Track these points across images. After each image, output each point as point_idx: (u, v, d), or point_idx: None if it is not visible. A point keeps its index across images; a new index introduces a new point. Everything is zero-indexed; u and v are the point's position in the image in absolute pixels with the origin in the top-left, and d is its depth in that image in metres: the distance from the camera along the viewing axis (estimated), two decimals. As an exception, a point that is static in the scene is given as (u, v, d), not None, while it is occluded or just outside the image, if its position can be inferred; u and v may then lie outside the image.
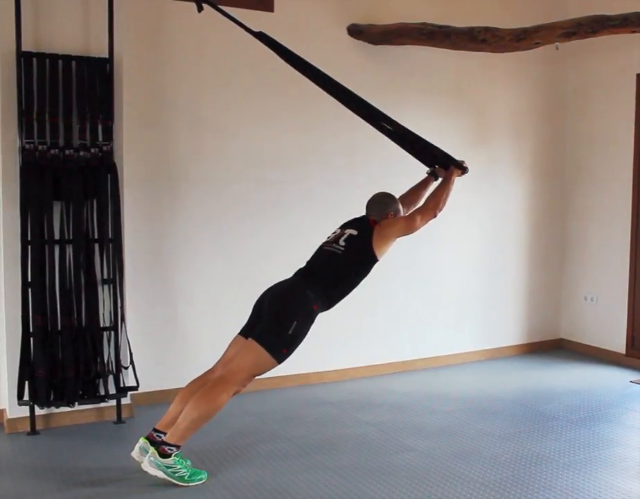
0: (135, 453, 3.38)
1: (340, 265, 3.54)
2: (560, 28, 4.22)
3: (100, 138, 3.93)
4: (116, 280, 4.00)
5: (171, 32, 4.42)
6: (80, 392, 3.92)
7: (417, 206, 3.91)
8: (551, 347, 6.10)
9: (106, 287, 4.02)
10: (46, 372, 3.80)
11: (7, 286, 3.88)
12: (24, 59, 3.76)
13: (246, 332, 3.45)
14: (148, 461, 3.24)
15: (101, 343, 3.97)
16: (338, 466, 3.53)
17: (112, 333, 4.02)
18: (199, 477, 3.31)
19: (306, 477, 3.40)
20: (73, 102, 3.87)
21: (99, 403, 4.04)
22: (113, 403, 4.11)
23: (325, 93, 4.92)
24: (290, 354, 3.36)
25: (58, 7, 3.89)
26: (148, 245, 4.44)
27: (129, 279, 4.21)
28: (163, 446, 3.24)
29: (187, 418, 3.23)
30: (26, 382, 3.83)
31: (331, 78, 3.77)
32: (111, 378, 4.02)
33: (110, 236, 3.97)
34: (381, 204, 3.75)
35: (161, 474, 3.23)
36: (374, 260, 3.59)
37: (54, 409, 3.99)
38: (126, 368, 4.05)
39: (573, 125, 6.00)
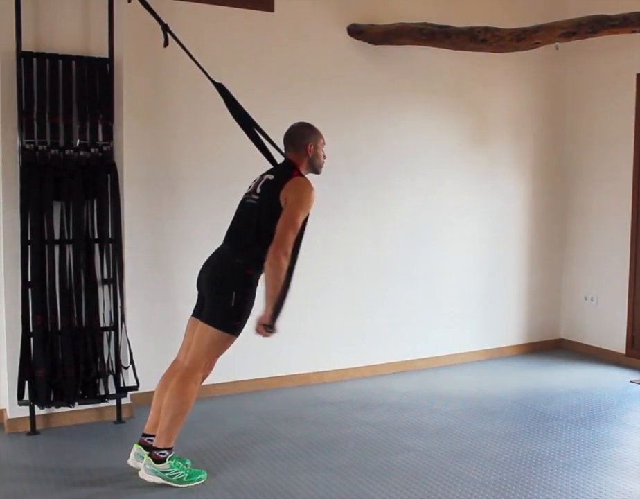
0: (131, 461, 3.38)
1: (257, 218, 3.27)
2: (560, 28, 4.22)
3: (100, 138, 3.93)
4: (116, 280, 4.00)
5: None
6: (80, 392, 3.92)
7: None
8: (551, 347, 6.10)
9: (106, 287, 4.02)
10: (46, 372, 3.80)
11: (7, 286, 3.88)
12: (24, 59, 3.76)
13: (196, 313, 3.40)
14: (144, 469, 3.24)
15: (101, 343, 3.97)
16: (338, 466, 3.53)
17: (112, 332, 4.02)
18: (198, 476, 3.31)
19: (306, 477, 3.40)
20: (73, 102, 3.87)
21: (99, 403, 4.04)
22: (113, 403, 4.11)
23: (326, 93, 4.96)
24: (244, 324, 3.26)
25: (58, 7, 3.89)
26: (148, 245, 4.44)
27: (129, 279, 4.21)
28: (155, 452, 3.23)
29: (166, 419, 3.22)
30: (26, 382, 3.83)
31: (265, 147, 3.54)
32: (111, 378, 4.02)
33: (110, 236, 3.97)
34: (296, 136, 3.42)
35: (159, 480, 3.23)
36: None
37: (54, 409, 3.99)
38: (126, 368, 4.05)
39: (573, 125, 6.00)
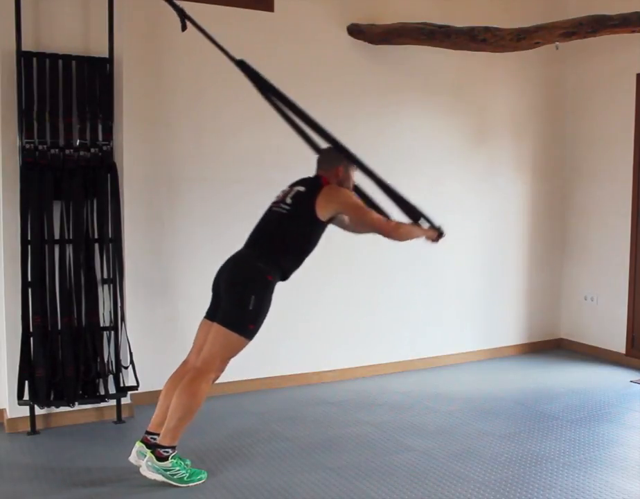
0: (132, 458, 3.38)
1: (286, 227, 3.40)
2: (560, 28, 4.22)
3: (100, 138, 3.93)
4: (116, 280, 4.00)
5: (171, 32, 4.40)
6: (80, 392, 3.92)
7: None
8: (551, 347, 6.10)
9: (106, 287, 4.02)
10: (46, 372, 3.80)
11: (7, 286, 3.88)
12: (24, 59, 3.76)
13: (210, 315, 3.41)
14: (146, 466, 3.24)
15: (101, 343, 3.97)
16: (338, 466, 3.53)
17: (112, 332, 4.02)
18: (198, 476, 3.31)
19: (306, 477, 3.40)
20: (73, 102, 3.87)
21: (99, 402, 4.04)
22: (113, 402, 4.11)
23: (326, 93, 4.96)
24: (258, 328, 3.30)
25: (58, 7, 3.89)
26: (148, 245, 4.44)
27: (129, 279, 4.21)
28: (159, 450, 3.24)
29: (174, 418, 3.22)
30: (26, 382, 3.82)
31: (309, 116, 3.59)
32: (111, 378, 4.02)
33: (110, 236, 3.97)
34: (329, 157, 3.56)
35: (159, 477, 3.23)
36: (318, 221, 3.38)
37: (54, 409, 3.99)
38: (126, 368, 4.05)
39: (573, 125, 6.00)
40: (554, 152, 6.03)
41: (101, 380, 3.98)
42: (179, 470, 3.25)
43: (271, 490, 3.25)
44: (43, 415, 3.98)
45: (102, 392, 4.00)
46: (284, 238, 3.40)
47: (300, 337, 4.93)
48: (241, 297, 3.25)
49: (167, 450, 3.24)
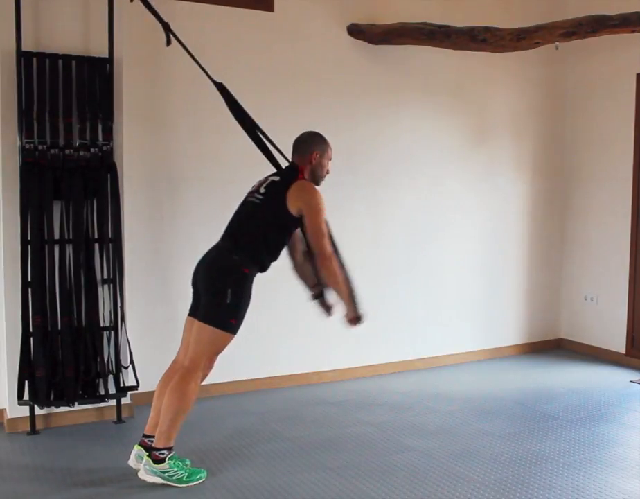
0: (131, 462, 3.38)
1: (258, 218, 3.32)
2: (560, 28, 4.22)
3: (100, 138, 3.93)
4: (115, 280, 4.00)
5: (171, 32, 4.42)
6: (80, 392, 3.92)
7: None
8: (551, 347, 6.10)
9: (106, 287, 4.02)
10: (46, 372, 3.80)
11: (7, 286, 3.88)
12: (24, 59, 3.76)
13: (192, 311, 3.39)
14: (144, 470, 3.24)
15: (101, 343, 3.97)
16: (338, 466, 3.53)
17: (112, 332, 4.02)
18: (198, 476, 3.31)
19: (306, 477, 3.40)
20: (73, 102, 3.87)
21: (99, 402, 4.03)
22: (113, 402, 4.11)
23: (326, 92, 4.96)
24: (241, 321, 3.26)
25: (58, 7, 3.89)
26: (148, 245, 4.44)
27: (129, 279, 4.21)
28: (155, 452, 3.23)
29: (166, 419, 3.22)
30: (26, 382, 3.83)
31: (273, 149, 3.58)
32: (111, 378, 4.02)
33: (110, 236, 3.97)
34: (306, 142, 3.45)
35: (158, 480, 3.23)
36: (289, 214, 3.26)
37: (54, 409, 3.99)
38: (126, 368, 4.05)
39: (573, 125, 6.00)
40: (554, 152, 6.03)
41: (101, 380, 3.98)
42: (177, 470, 3.25)
43: (271, 490, 3.25)
44: (43, 415, 3.98)
45: (102, 392, 4.00)
46: (257, 229, 3.33)
47: (300, 337, 4.93)
48: (218, 292, 3.23)
49: (162, 452, 3.23)
